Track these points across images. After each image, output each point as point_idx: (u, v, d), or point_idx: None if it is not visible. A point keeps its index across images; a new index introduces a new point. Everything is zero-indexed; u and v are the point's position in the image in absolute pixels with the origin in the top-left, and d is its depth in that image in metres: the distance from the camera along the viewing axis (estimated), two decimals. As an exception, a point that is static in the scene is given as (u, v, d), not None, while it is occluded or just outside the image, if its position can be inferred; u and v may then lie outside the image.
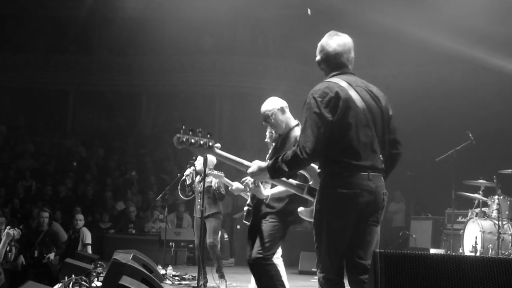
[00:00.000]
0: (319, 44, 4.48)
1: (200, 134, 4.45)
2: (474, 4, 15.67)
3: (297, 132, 5.65)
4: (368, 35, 17.19)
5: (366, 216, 4.12)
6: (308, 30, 20.11)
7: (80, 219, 11.81)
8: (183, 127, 4.56)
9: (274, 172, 4.22)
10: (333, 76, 4.28)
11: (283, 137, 5.77)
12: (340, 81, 4.20)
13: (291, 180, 4.62)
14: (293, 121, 5.81)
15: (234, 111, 21.38)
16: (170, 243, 12.54)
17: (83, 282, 7.70)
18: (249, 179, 5.65)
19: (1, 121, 21.35)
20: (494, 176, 9.97)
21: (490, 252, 9.54)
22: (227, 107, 21.58)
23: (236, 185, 7.76)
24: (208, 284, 9.34)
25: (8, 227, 8.59)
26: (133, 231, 14.62)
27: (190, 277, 10.39)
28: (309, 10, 19.84)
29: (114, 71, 21.63)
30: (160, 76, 21.26)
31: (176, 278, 10.33)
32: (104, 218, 15.00)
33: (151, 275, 7.35)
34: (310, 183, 4.47)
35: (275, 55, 21.21)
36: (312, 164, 4.38)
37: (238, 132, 19.59)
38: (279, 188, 5.44)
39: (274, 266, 5.56)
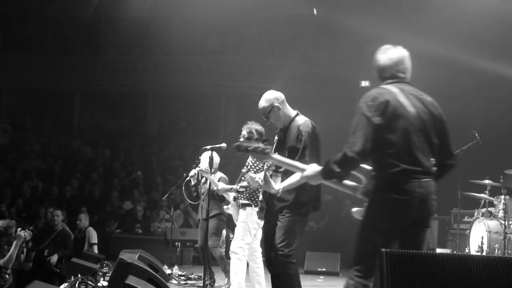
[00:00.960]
0: (374, 59, 4.67)
1: (256, 142, 4.59)
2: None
3: (299, 121, 5.64)
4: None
5: (417, 222, 4.18)
6: (314, 30, 20.16)
7: (80, 219, 11.83)
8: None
9: (327, 174, 4.38)
10: (387, 83, 4.45)
11: (285, 130, 5.74)
12: (391, 88, 4.35)
13: (346, 181, 4.61)
14: (292, 112, 5.78)
15: (240, 111, 21.37)
16: (176, 243, 12.56)
17: (89, 282, 7.72)
18: (258, 176, 5.65)
19: (7, 121, 21.44)
20: (501, 176, 9.95)
21: (496, 252, 9.53)
22: (232, 107, 21.59)
23: (221, 185, 7.77)
24: (215, 284, 9.35)
25: (19, 229, 8.62)
26: (140, 231, 14.64)
27: (196, 276, 10.40)
28: (315, 10, 19.85)
29: (120, 71, 21.65)
30: (166, 76, 21.26)
31: (182, 277, 10.34)
32: (110, 218, 15.02)
33: (157, 274, 7.36)
34: (363, 184, 4.49)
35: (281, 55, 21.20)
36: (364, 165, 4.43)
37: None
38: (289, 181, 5.41)
39: (294, 264, 5.55)
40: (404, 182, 4.10)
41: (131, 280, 6.20)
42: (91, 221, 12.44)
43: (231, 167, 13.88)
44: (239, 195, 7.41)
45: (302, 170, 4.57)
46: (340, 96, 19.49)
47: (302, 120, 5.64)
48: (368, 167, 4.43)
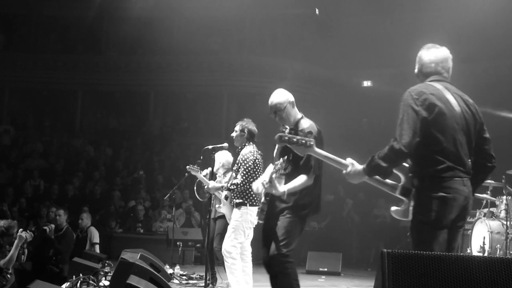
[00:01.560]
0: (417, 56, 4.59)
1: (301, 133, 4.49)
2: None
3: (303, 124, 5.65)
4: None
5: (457, 221, 4.18)
6: (317, 29, 20.16)
7: (82, 218, 11.83)
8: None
9: (371, 170, 4.26)
10: (431, 81, 4.40)
11: (289, 131, 5.74)
12: (436, 84, 4.31)
13: (386, 180, 4.53)
14: (298, 114, 5.79)
15: (242, 110, 21.35)
16: (178, 243, 12.56)
17: (91, 281, 7.72)
18: (260, 180, 5.67)
19: (9, 120, 21.45)
20: (503, 176, 9.93)
21: (498, 253, 9.51)
22: (234, 107, 21.58)
23: (212, 184, 7.78)
24: (217, 284, 9.35)
25: (21, 229, 8.62)
26: (141, 230, 14.65)
27: (198, 276, 10.41)
28: (317, 10, 19.85)
29: (122, 70, 21.66)
30: (168, 75, 21.28)
31: (184, 277, 10.34)
32: (112, 218, 15.02)
33: (158, 274, 7.37)
34: (402, 182, 4.41)
35: (283, 54, 21.19)
36: (404, 164, 4.37)
37: (245, 132, 19.54)
38: (294, 183, 5.43)
39: (292, 264, 5.52)
40: (451, 180, 4.08)
41: (132, 279, 6.20)
42: (93, 220, 12.44)
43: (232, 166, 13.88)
44: (231, 193, 7.42)
45: (345, 166, 4.43)
46: (342, 96, 19.51)
47: (307, 123, 5.64)
48: (407, 165, 4.39)
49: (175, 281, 9.97)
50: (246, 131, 7.54)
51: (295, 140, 4.49)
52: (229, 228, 7.37)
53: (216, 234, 8.87)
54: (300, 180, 5.44)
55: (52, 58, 21.97)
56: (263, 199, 5.75)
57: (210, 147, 7.88)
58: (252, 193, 7.26)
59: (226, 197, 7.65)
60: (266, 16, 20.99)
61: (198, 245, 13.61)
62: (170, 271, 10.24)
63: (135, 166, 18.40)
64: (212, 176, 8.21)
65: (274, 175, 5.29)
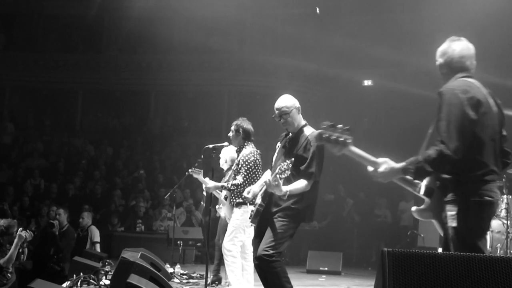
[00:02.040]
0: (440, 49, 4.35)
1: (339, 130, 4.16)
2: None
3: (306, 132, 5.68)
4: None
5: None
6: (317, 29, 20.15)
7: (83, 217, 11.85)
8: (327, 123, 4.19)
9: (414, 172, 4.01)
10: (462, 77, 4.18)
11: (293, 137, 5.77)
12: (473, 81, 4.12)
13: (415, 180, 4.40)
14: (303, 121, 5.83)
15: (243, 110, 21.34)
16: (178, 242, 12.55)
17: (91, 280, 7.73)
18: (259, 183, 5.69)
19: (10, 120, 21.46)
20: (504, 176, 9.92)
21: (498, 252, 9.51)
22: (235, 106, 21.56)
23: (211, 183, 7.79)
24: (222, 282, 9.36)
25: (21, 229, 8.63)
26: (142, 228, 14.65)
27: (198, 275, 10.41)
28: (317, 9, 19.84)
29: (122, 70, 21.67)
30: (168, 75, 21.29)
31: (184, 276, 10.34)
32: (113, 216, 15.03)
33: (159, 273, 7.37)
34: (426, 182, 4.25)
35: (283, 54, 21.18)
36: None
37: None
38: (295, 186, 5.46)
39: (279, 263, 5.51)
40: (493, 183, 3.95)
41: (133, 278, 6.20)
42: (93, 219, 12.44)
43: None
44: (231, 193, 7.45)
45: (378, 164, 4.18)
46: (342, 95, 19.51)
47: (310, 131, 5.68)
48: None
49: (176, 280, 9.97)
50: (241, 131, 7.55)
51: (333, 138, 4.18)
52: (230, 226, 7.41)
53: (220, 232, 8.94)
54: (301, 183, 5.48)
55: (53, 58, 21.99)
56: (259, 202, 5.75)
57: (210, 146, 7.88)
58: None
59: (225, 197, 7.67)
60: (267, 15, 20.97)
61: (198, 244, 13.60)
62: (170, 270, 10.24)
63: (135, 166, 18.41)
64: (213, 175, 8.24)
65: (279, 176, 5.30)
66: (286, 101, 5.77)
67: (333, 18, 19.95)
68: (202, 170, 8.38)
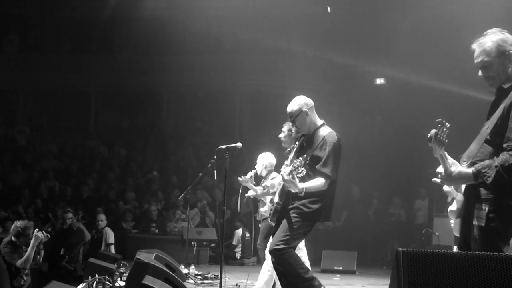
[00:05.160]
0: (500, 38, 4.00)
1: (445, 130, 3.84)
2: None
3: (322, 131, 5.68)
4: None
5: None
6: (329, 28, 20.10)
7: (102, 219, 11.93)
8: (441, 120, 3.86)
9: (494, 179, 3.74)
10: None
11: (309, 137, 5.79)
12: None
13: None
14: (318, 121, 5.82)
15: (255, 110, 21.38)
16: (192, 243, 12.58)
17: (106, 282, 7.75)
18: (277, 181, 5.71)
19: (24, 122, 21.58)
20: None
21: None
22: (247, 106, 21.58)
23: (260, 190, 7.71)
24: (231, 282, 9.37)
25: (37, 230, 8.69)
26: (156, 231, 14.68)
27: (213, 276, 10.43)
28: (329, 8, 19.79)
29: (135, 71, 21.70)
30: (181, 75, 21.30)
31: (199, 277, 10.37)
32: (127, 218, 15.07)
33: (173, 274, 7.39)
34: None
35: (295, 53, 21.15)
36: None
37: (258, 131, 19.55)
38: (312, 183, 5.49)
39: (291, 253, 5.56)
40: None
41: (148, 280, 6.22)
42: (107, 221, 12.50)
43: (245, 166, 13.88)
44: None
45: (448, 166, 3.91)
46: (355, 93, 19.44)
47: (327, 131, 5.70)
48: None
49: (190, 281, 10.00)
50: (293, 131, 7.50)
51: (442, 139, 3.84)
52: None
53: (260, 233, 9.05)
54: (318, 181, 5.51)
55: (66, 59, 22.08)
56: (277, 200, 5.76)
57: (223, 146, 7.86)
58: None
59: (271, 200, 7.65)
60: (279, 15, 20.96)
61: (212, 244, 13.63)
62: (185, 271, 10.27)
63: (149, 167, 18.45)
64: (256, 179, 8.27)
65: (294, 172, 5.32)
66: (294, 103, 5.79)
67: (345, 16, 19.88)
68: (252, 177, 8.32)
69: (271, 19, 21.36)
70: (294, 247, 5.67)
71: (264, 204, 8.00)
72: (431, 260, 3.25)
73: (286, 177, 5.43)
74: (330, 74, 20.71)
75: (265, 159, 8.75)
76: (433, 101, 16.16)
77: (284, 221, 5.62)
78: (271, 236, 5.93)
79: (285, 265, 5.55)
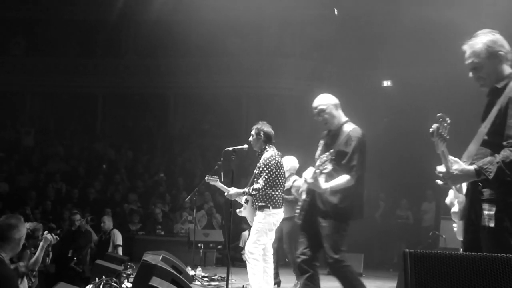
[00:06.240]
0: (490, 40, 4.07)
1: (446, 125, 3.88)
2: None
3: (347, 127, 5.75)
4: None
5: None
6: (336, 29, 20.09)
7: (104, 221, 11.95)
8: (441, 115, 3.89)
9: (495, 175, 3.78)
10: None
11: (334, 133, 5.86)
12: None
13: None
14: (343, 117, 5.92)
15: (261, 111, 21.37)
16: (199, 244, 12.58)
17: (113, 283, 7.76)
18: (302, 180, 5.77)
19: (31, 124, 21.65)
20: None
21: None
22: (254, 108, 21.58)
23: (232, 190, 7.79)
24: (237, 284, 9.37)
25: (46, 232, 8.70)
26: (162, 232, 14.68)
27: (219, 278, 10.42)
28: (335, 10, 19.78)
29: (142, 73, 21.77)
30: (187, 77, 21.34)
31: (206, 279, 10.36)
32: (134, 219, 15.08)
33: (180, 276, 7.38)
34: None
35: (302, 55, 21.16)
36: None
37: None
38: (337, 181, 5.57)
39: (348, 267, 5.74)
40: None
41: (155, 281, 6.22)
42: (114, 223, 12.51)
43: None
44: (253, 198, 7.48)
45: (449, 164, 3.95)
46: (362, 96, 19.42)
47: (351, 127, 5.79)
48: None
49: (197, 282, 10.00)
50: (262, 134, 7.58)
51: (444, 135, 3.88)
52: (253, 230, 7.47)
53: (285, 234, 9.13)
54: (343, 179, 5.58)
55: (73, 62, 22.16)
56: (304, 197, 5.81)
57: (230, 148, 7.90)
58: (274, 196, 7.35)
59: (246, 201, 7.69)
60: (285, 16, 20.96)
61: (219, 246, 13.65)
62: (192, 273, 10.26)
63: (156, 169, 18.47)
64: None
65: (317, 171, 5.37)
66: (322, 99, 5.93)
67: (352, 18, 19.87)
68: (218, 177, 8.36)
69: (277, 22, 21.36)
70: (343, 250, 5.81)
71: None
72: (438, 262, 3.25)
73: (309, 180, 5.49)
74: (337, 75, 20.68)
75: (288, 162, 9.01)
76: (440, 103, 16.13)
77: (322, 233, 5.72)
78: (302, 237, 5.94)
79: (342, 278, 5.75)
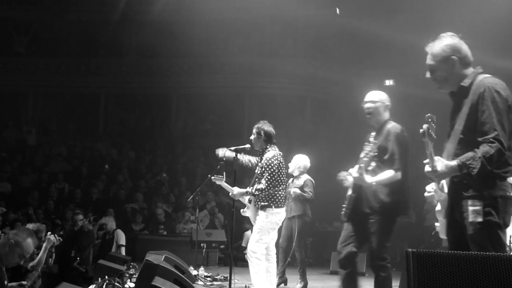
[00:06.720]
0: (446, 44, 4.26)
1: (433, 126, 3.98)
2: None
3: (388, 125, 5.90)
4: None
5: None
6: (337, 30, 20.08)
7: (107, 221, 11.98)
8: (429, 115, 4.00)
9: (479, 170, 3.86)
10: (481, 73, 4.17)
11: (377, 131, 5.95)
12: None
13: None
14: (387, 116, 6.03)
15: (264, 112, 21.34)
16: (202, 244, 12.59)
17: (116, 283, 7.77)
18: (348, 173, 5.82)
19: (34, 124, 21.66)
20: None
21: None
22: (256, 108, 21.55)
23: (236, 190, 7.79)
24: (240, 284, 9.38)
25: (49, 232, 8.72)
26: (164, 232, 14.69)
27: (222, 277, 10.43)
28: (337, 10, 19.77)
29: (144, 73, 21.76)
30: (189, 77, 21.33)
31: (208, 278, 10.38)
32: (136, 220, 15.09)
33: (183, 276, 7.39)
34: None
35: (304, 55, 21.14)
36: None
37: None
38: (382, 176, 5.66)
39: (388, 268, 5.75)
40: (508, 180, 3.99)
41: (157, 281, 6.22)
42: (117, 223, 12.53)
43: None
44: (255, 198, 7.50)
45: (434, 162, 4.03)
46: (364, 95, 19.41)
47: (392, 124, 5.92)
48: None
49: (200, 282, 10.01)
50: (262, 133, 7.60)
51: (433, 135, 3.99)
52: (255, 229, 7.49)
53: (295, 231, 9.14)
54: (387, 174, 5.66)
55: (75, 62, 22.15)
56: (350, 192, 5.83)
57: (232, 148, 7.91)
58: (276, 195, 7.37)
59: (249, 200, 7.71)
60: (287, 17, 20.94)
61: (222, 246, 13.65)
62: (194, 272, 10.27)
63: (158, 169, 18.47)
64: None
65: (362, 165, 5.42)
66: (374, 95, 6.06)
67: (353, 18, 19.85)
68: (223, 176, 8.39)
69: (279, 21, 21.34)
70: (387, 247, 5.81)
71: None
72: (441, 261, 3.26)
73: (354, 174, 5.62)
74: (339, 75, 20.66)
75: (300, 161, 9.10)
76: (442, 103, 16.11)
77: (370, 230, 5.75)
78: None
79: (379, 276, 5.77)
